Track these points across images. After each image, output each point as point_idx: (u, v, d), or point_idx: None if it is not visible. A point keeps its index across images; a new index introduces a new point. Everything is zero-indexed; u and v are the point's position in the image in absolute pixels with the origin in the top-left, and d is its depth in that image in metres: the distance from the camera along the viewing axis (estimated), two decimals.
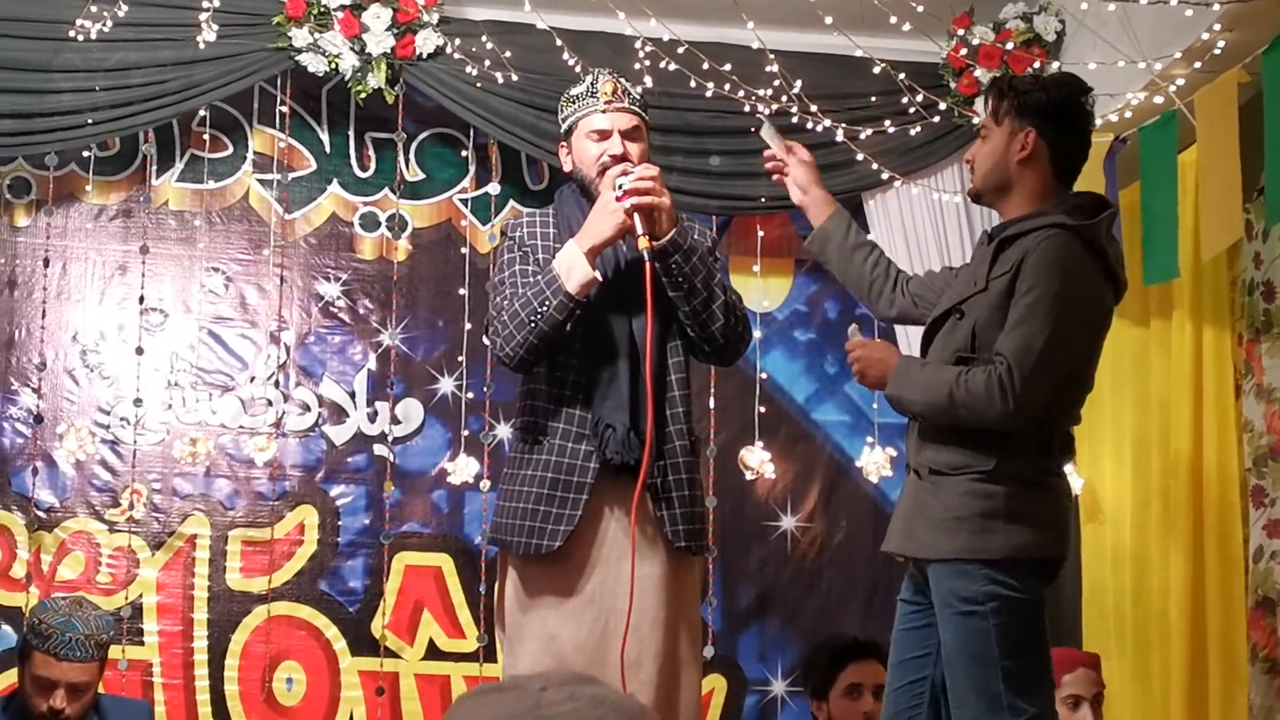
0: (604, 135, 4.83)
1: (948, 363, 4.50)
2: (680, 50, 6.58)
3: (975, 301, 4.51)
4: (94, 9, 6.37)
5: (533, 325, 4.70)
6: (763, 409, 7.29)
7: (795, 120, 6.64)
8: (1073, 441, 4.79)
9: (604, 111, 4.85)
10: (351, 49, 6.76)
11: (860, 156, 6.84)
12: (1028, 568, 4.44)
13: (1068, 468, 5.80)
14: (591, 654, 4.72)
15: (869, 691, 6.19)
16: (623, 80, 4.97)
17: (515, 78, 6.77)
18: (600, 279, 4.68)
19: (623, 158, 4.77)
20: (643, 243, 4.63)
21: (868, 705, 6.18)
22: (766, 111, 6.54)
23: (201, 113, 7.01)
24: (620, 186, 4.65)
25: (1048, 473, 4.53)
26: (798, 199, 5.09)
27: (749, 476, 7.21)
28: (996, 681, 4.37)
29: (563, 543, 4.74)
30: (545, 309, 4.66)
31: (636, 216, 4.63)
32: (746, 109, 6.68)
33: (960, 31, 7.02)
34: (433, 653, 7.16)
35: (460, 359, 7.17)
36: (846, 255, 5.03)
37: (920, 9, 6.33)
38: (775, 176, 5.12)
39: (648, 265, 4.62)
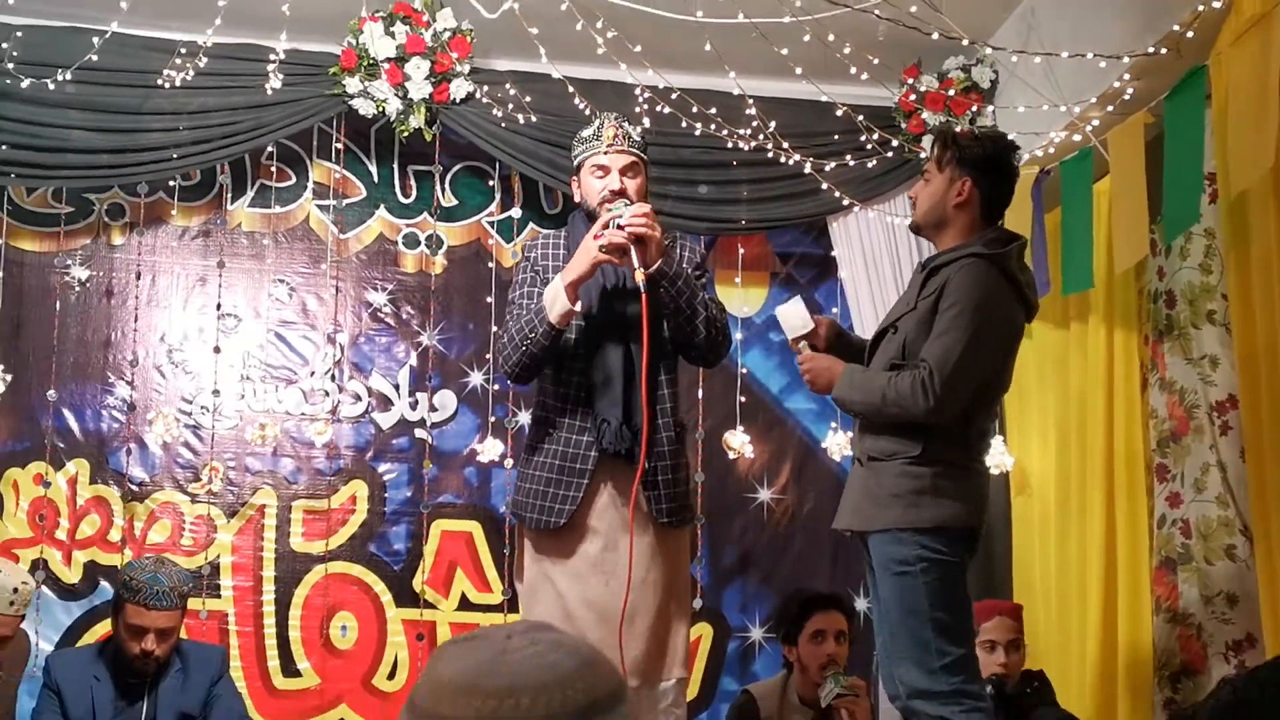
0: (605, 172, 4.94)
1: (884, 369, 4.64)
2: (673, 96, 6.68)
3: (906, 319, 4.68)
4: (178, 61, 6.49)
5: (524, 349, 4.85)
6: (743, 399, 7.37)
7: (770, 154, 6.74)
8: (989, 433, 4.91)
9: (605, 152, 4.95)
10: (396, 95, 6.84)
11: (825, 186, 6.93)
12: (951, 535, 4.58)
13: (999, 449, 6.11)
14: (595, 610, 4.85)
15: (831, 637, 6.20)
16: (625, 125, 5.04)
17: (534, 119, 6.86)
18: (578, 311, 4.81)
19: (620, 192, 4.87)
20: (639, 275, 4.68)
21: (830, 648, 6.18)
22: (746, 147, 6.71)
23: (269, 148, 7.11)
24: (613, 224, 4.71)
25: (967, 458, 4.67)
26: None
27: (731, 456, 7.30)
28: (926, 630, 4.53)
29: (567, 520, 4.90)
30: (534, 335, 4.80)
31: (632, 250, 4.69)
32: (729, 145, 6.76)
33: (910, 80, 7.15)
34: (464, 605, 7.23)
35: (487, 356, 7.23)
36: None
37: (876, 61, 6.45)
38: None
39: (643, 295, 4.67)
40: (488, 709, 1.43)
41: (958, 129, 6.21)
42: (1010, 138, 5.15)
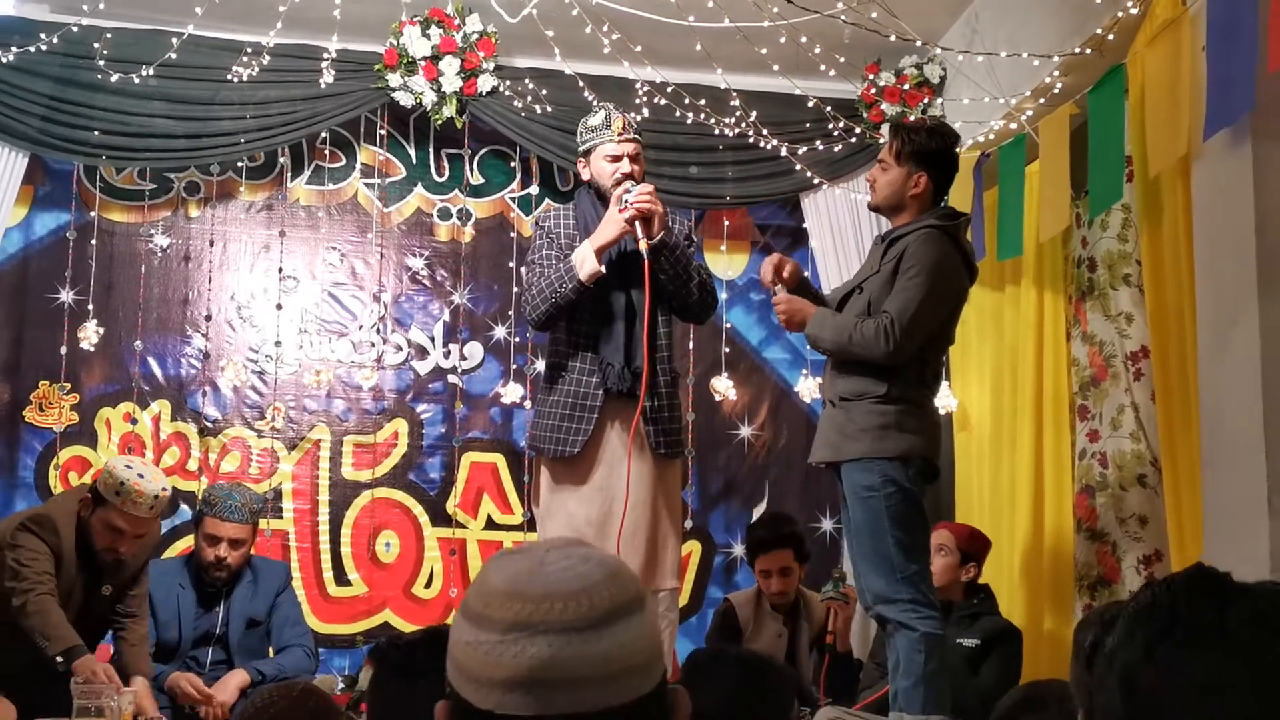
0: (616, 159, 4.98)
1: (855, 314, 4.68)
2: (668, 89, 6.73)
3: (871, 280, 4.72)
4: (244, 59, 6.54)
5: (553, 301, 4.90)
6: (727, 349, 7.36)
7: (751, 140, 6.77)
8: (941, 375, 4.97)
9: (617, 141, 4.99)
10: (431, 88, 6.83)
11: (798, 167, 6.95)
12: (911, 464, 4.62)
13: (945, 393, 6.13)
14: (599, 527, 4.88)
15: (776, 574, 6.24)
16: (628, 116, 5.11)
17: (550, 109, 6.87)
18: (604, 271, 4.85)
19: (629, 175, 4.93)
20: (643, 245, 4.80)
21: (776, 585, 6.24)
22: (730, 133, 6.73)
23: (323, 134, 7.09)
24: (625, 201, 4.81)
25: (924, 397, 4.72)
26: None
27: (717, 398, 7.29)
28: (889, 547, 4.57)
29: (580, 449, 4.94)
30: (563, 289, 4.86)
31: (637, 223, 4.79)
32: (716, 132, 6.79)
33: (870, 76, 7.12)
34: (490, 525, 7.25)
35: (510, 313, 7.24)
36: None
37: (841, 59, 6.50)
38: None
39: (645, 261, 4.80)
40: (526, 612, 1.45)
41: (910, 119, 6.26)
42: (954, 129, 5.20)
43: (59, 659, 4.87)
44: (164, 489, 5.24)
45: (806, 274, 5.18)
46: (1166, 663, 1.56)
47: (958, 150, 4.91)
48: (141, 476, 5.12)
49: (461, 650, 1.49)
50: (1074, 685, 2.37)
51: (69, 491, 5.76)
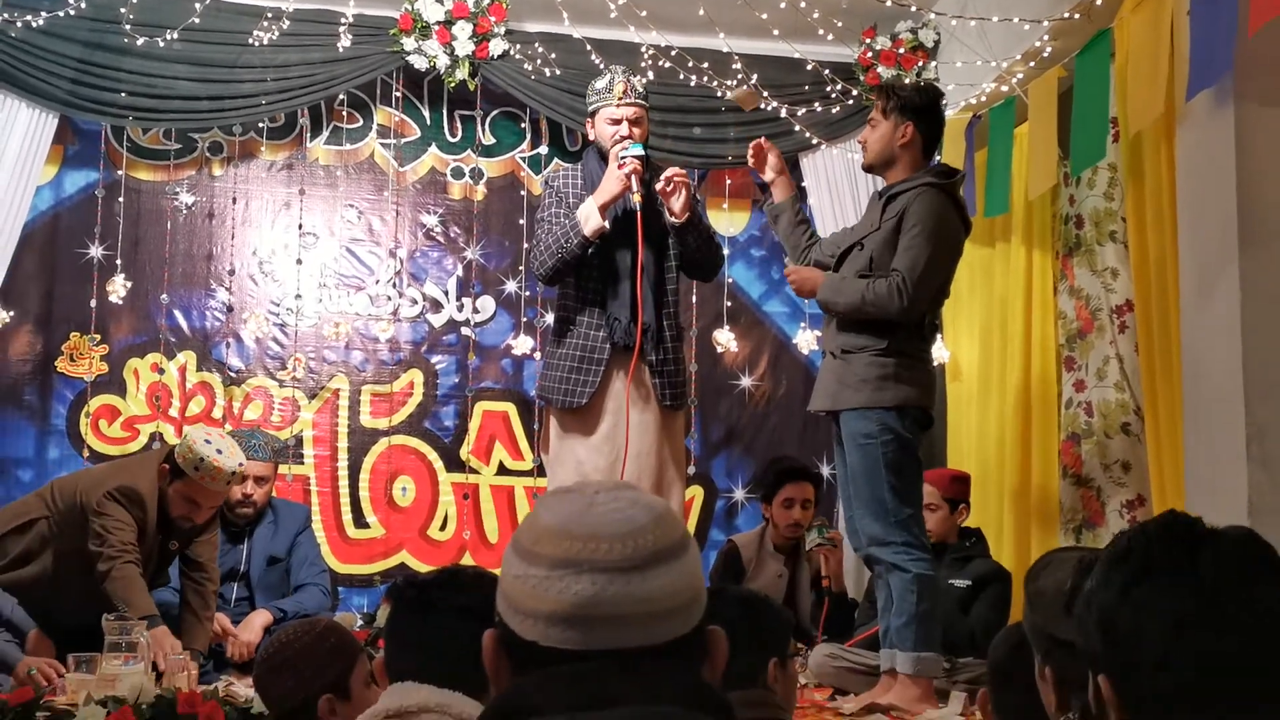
0: (616, 122, 5.01)
1: (855, 278, 4.74)
2: (673, 53, 6.72)
3: (871, 237, 4.76)
4: (265, 24, 6.54)
5: (560, 255, 4.94)
6: (729, 303, 7.35)
7: None
8: (937, 329, 5.02)
9: (617, 105, 5.02)
10: (445, 52, 6.83)
11: (797, 127, 6.95)
12: (907, 414, 4.69)
13: (938, 345, 6.15)
14: (605, 473, 4.91)
15: (799, 504, 6.32)
16: (632, 80, 5.11)
17: (558, 72, 6.86)
18: (608, 227, 4.89)
19: (629, 137, 4.95)
20: (636, 198, 4.84)
21: (797, 514, 6.31)
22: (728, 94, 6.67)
23: (341, 96, 7.06)
24: (622, 159, 4.86)
25: (921, 350, 4.78)
26: (769, 178, 5.24)
27: (719, 350, 7.29)
28: (884, 491, 4.65)
29: (587, 400, 4.98)
30: (569, 244, 4.90)
31: (634, 180, 4.84)
32: (719, 94, 6.79)
33: (867, 40, 7.11)
34: (501, 470, 7.25)
35: (520, 268, 7.24)
36: (790, 227, 5.19)
37: (839, 24, 6.54)
38: (754, 159, 5.22)
39: (638, 216, 4.86)
40: (574, 550, 1.46)
41: (899, 82, 6.27)
42: (939, 87, 5.24)
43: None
44: (240, 464, 5.22)
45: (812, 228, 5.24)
46: (1141, 603, 1.60)
47: (944, 107, 5.00)
48: (220, 452, 5.10)
49: (511, 583, 1.50)
50: (1029, 632, 2.39)
51: (145, 457, 5.68)
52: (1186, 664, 1.56)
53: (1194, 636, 1.56)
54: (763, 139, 5.27)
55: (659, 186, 4.92)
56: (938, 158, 5.10)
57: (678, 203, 4.96)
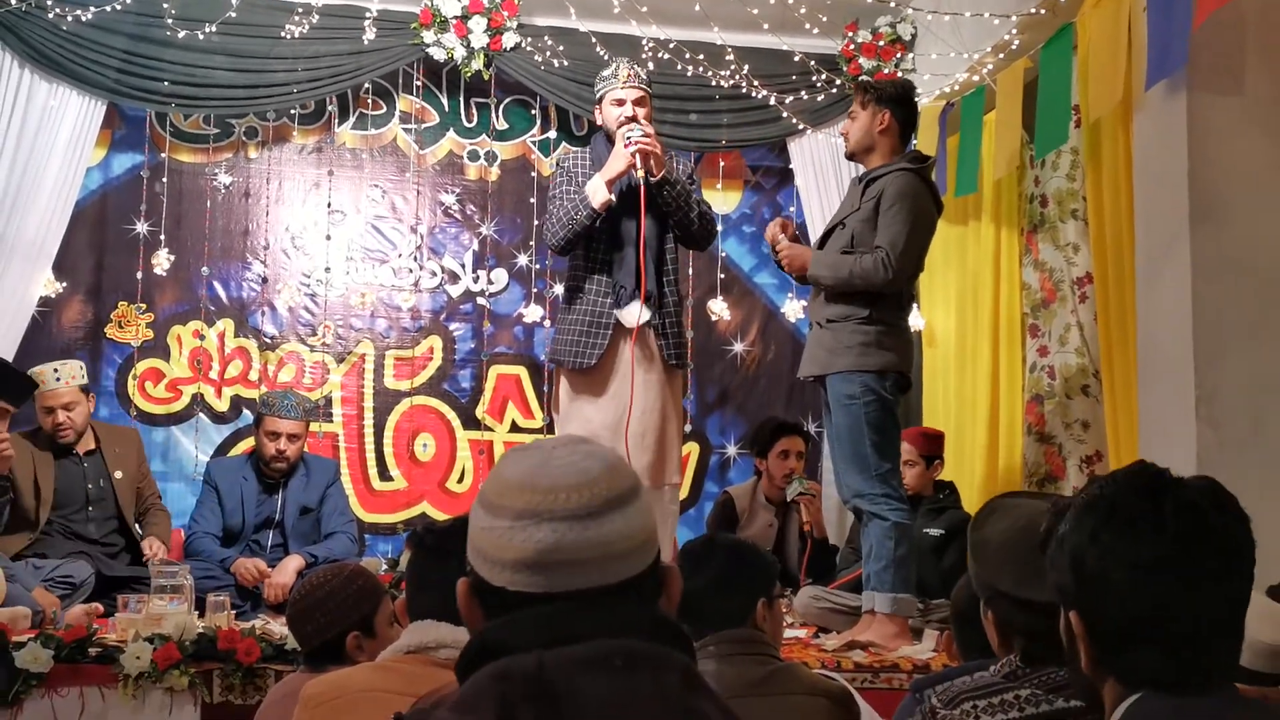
0: (620, 104, 5.00)
1: (839, 248, 4.78)
2: (671, 45, 6.72)
3: (853, 217, 4.79)
4: (296, 18, 6.52)
5: (570, 227, 4.94)
6: (722, 275, 7.34)
7: (744, 90, 6.76)
8: (913, 299, 5.06)
9: (622, 88, 5.01)
10: (461, 44, 6.78)
11: (785, 114, 6.94)
12: (888, 378, 4.72)
13: (915, 314, 6.15)
14: (612, 429, 4.94)
15: (793, 455, 6.33)
16: (636, 67, 5.12)
17: (566, 63, 6.83)
18: (614, 200, 4.90)
19: (632, 119, 4.95)
20: (640, 174, 4.84)
21: (792, 464, 6.31)
22: (725, 84, 6.71)
23: (366, 85, 7.03)
24: (629, 139, 4.84)
25: (900, 319, 4.81)
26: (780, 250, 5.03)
27: (713, 318, 7.28)
28: (865, 447, 4.68)
29: (595, 362, 4.99)
30: (578, 216, 4.91)
31: (638, 158, 4.83)
32: (713, 83, 6.78)
33: (850, 33, 7.05)
34: (514, 429, 7.26)
35: (531, 243, 7.23)
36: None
37: (824, 18, 6.53)
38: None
39: (642, 191, 4.85)
40: (534, 501, 1.47)
41: (875, 78, 6.28)
42: (910, 81, 5.37)
43: None
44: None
45: (792, 211, 5.21)
46: (1109, 545, 1.62)
47: (918, 98, 4.98)
48: None
49: (478, 534, 1.51)
50: (974, 579, 2.40)
51: None
52: (1147, 601, 1.59)
53: (1158, 575, 1.59)
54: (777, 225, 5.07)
55: (625, 148, 4.88)
56: (914, 143, 5.09)
57: (644, 163, 4.92)
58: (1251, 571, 1.64)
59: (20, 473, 5.43)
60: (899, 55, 7.06)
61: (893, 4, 6.23)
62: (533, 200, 7.22)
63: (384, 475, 7.16)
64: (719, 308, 7.29)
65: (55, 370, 5.60)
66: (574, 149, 5.70)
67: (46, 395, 5.56)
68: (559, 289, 6.94)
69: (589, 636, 1.40)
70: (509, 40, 6.88)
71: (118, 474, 5.71)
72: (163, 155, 6.99)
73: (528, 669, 1.36)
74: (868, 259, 4.63)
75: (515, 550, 1.46)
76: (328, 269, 7.13)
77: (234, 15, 6.46)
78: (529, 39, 6.92)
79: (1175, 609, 1.59)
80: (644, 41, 6.74)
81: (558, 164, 5.37)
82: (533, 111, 7.34)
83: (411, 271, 7.24)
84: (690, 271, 7.26)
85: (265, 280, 7.10)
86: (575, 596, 1.45)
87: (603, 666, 1.37)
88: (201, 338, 7.00)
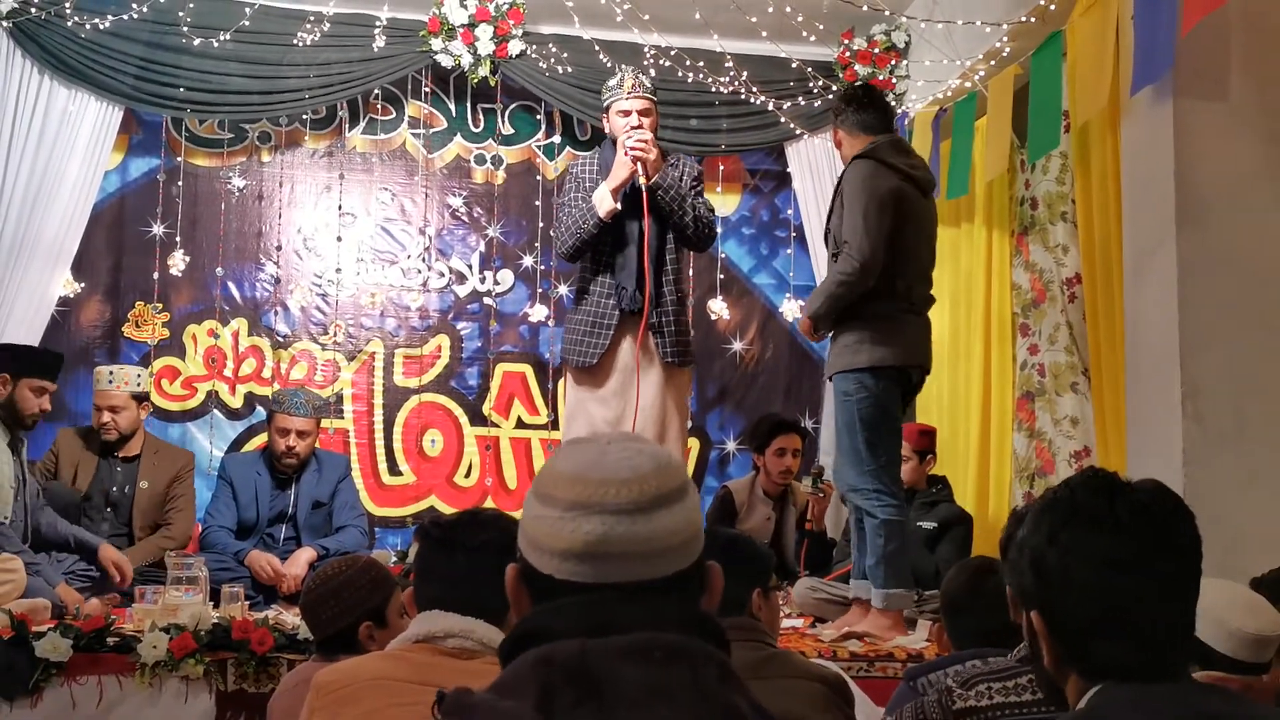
0: (626, 114, 5.05)
1: (829, 252, 4.80)
2: (672, 53, 6.71)
3: (831, 221, 4.84)
4: (308, 26, 6.52)
5: (578, 235, 5.01)
6: (721, 276, 7.35)
7: (743, 96, 6.77)
8: (913, 289, 4.87)
9: (627, 98, 5.06)
10: (468, 52, 6.80)
11: (783, 120, 6.95)
12: (880, 374, 4.71)
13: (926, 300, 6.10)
14: (613, 425, 5.00)
15: (790, 453, 6.35)
16: (641, 76, 5.16)
17: (570, 70, 6.83)
18: (619, 208, 4.93)
19: (638, 128, 5.00)
20: (642, 181, 4.89)
21: (788, 461, 6.34)
22: (725, 91, 6.71)
23: (376, 91, 7.05)
24: (627, 146, 4.89)
25: (896, 313, 4.75)
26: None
27: (713, 317, 7.29)
28: (859, 444, 4.70)
29: (597, 360, 5.05)
30: (586, 225, 4.96)
31: (640, 166, 4.88)
32: (713, 89, 6.79)
33: (845, 41, 7.06)
34: (520, 425, 7.26)
35: (536, 245, 7.22)
36: None
37: (821, 26, 6.50)
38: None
39: (644, 195, 4.91)
40: (586, 494, 1.47)
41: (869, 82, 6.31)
42: (862, 86, 5.46)
43: None
44: None
45: (790, 213, 5.23)
46: (1067, 545, 1.65)
47: (869, 96, 4.98)
48: None
49: (530, 522, 1.51)
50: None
51: None
52: (1107, 597, 1.62)
53: (1114, 572, 1.62)
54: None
55: (621, 154, 4.93)
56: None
57: (644, 169, 4.97)
58: (1200, 565, 1.68)
59: (64, 460, 5.72)
60: (893, 62, 7.08)
61: (888, 12, 6.23)
62: (538, 203, 7.23)
63: (393, 470, 7.15)
64: (718, 307, 7.29)
65: (110, 373, 5.76)
66: (579, 154, 5.72)
67: (99, 394, 5.74)
68: (564, 289, 7.09)
69: (631, 628, 1.40)
70: (515, 48, 6.88)
71: (143, 484, 5.76)
72: (178, 159, 6.99)
73: (570, 655, 1.36)
74: (839, 262, 4.65)
75: (564, 540, 1.46)
76: (339, 270, 7.13)
77: (248, 23, 6.48)
78: (534, 46, 6.92)
79: (1133, 603, 1.62)
80: (646, 49, 6.74)
81: (567, 170, 5.41)
82: (538, 117, 7.34)
83: (420, 272, 7.24)
84: (691, 272, 7.25)
85: (278, 281, 7.10)
86: (620, 588, 1.46)
87: (643, 657, 1.37)
88: (216, 336, 7.00)
